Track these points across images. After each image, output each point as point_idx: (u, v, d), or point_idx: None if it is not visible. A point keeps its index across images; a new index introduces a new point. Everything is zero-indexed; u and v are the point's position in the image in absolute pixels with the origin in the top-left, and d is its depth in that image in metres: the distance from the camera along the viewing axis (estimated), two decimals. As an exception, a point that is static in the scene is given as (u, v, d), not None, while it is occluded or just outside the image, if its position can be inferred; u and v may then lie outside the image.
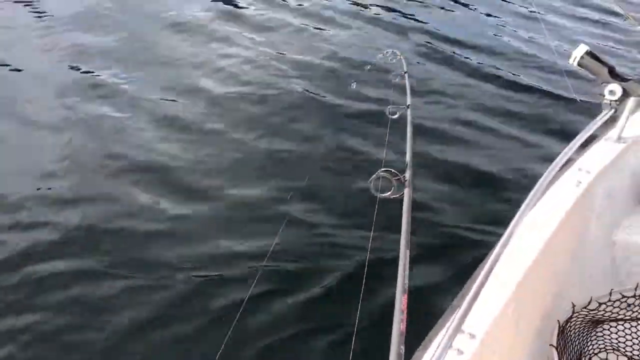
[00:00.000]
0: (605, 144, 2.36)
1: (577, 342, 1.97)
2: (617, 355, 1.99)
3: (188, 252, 3.29)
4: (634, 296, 2.01)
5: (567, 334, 1.91)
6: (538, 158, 4.17)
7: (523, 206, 1.82)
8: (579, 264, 2.15)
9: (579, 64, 2.25)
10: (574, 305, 1.92)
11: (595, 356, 1.99)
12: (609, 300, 1.96)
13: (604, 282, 2.25)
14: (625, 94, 2.19)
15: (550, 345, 1.76)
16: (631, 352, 1.99)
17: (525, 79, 5.74)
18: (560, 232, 1.94)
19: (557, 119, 4.88)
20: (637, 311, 2.07)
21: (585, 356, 1.99)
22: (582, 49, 2.24)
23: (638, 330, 2.08)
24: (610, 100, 2.20)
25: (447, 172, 4.08)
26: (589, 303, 1.92)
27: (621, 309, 2.00)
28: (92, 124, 4.54)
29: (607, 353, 1.99)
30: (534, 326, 1.85)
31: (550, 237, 1.89)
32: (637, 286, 2.01)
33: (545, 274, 1.90)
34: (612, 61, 2.26)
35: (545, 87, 5.50)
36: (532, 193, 1.86)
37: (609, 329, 2.06)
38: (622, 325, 2.05)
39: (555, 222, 1.94)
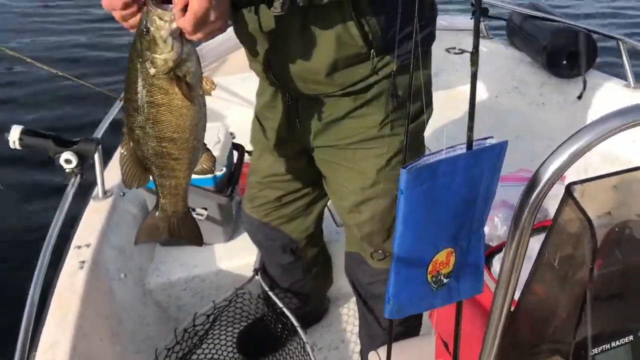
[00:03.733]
0: (93, 205, 2.28)
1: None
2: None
3: None
4: (194, 326, 2.05)
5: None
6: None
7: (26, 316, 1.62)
8: (128, 333, 2.05)
9: (22, 147, 2.06)
10: None
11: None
12: (177, 342, 1.99)
13: (164, 327, 2.23)
14: (82, 156, 2.11)
15: None
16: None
17: None
18: (87, 324, 1.79)
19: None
20: (202, 336, 2.13)
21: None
22: (15, 130, 2.05)
23: (214, 347, 2.20)
24: (71, 169, 2.09)
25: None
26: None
27: (190, 344, 2.06)
28: None
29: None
30: None
31: (80, 337, 1.72)
32: (194, 316, 2.05)
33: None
34: (53, 131, 2.15)
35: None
36: (29, 300, 1.67)
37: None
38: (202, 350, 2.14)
39: (74, 318, 1.76)
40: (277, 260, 2.15)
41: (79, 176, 2.12)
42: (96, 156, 2.19)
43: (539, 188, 0.70)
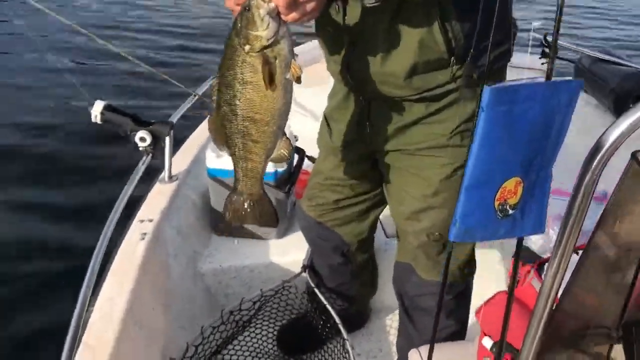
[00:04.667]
0: (159, 187, 2.39)
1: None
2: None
3: None
4: (239, 310, 2.11)
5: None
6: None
7: (88, 275, 1.72)
8: (177, 308, 2.12)
9: (102, 121, 2.21)
10: (187, 345, 1.90)
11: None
12: (222, 322, 2.04)
13: (210, 311, 2.29)
14: (155, 137, 2.24)
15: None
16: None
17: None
18: (141, 287, 1.87)
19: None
20: (246, 321, 2.19)
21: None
22: (98, 105, 2.21)
23: (255, 335, 2.24)
24: (144, 147, 2.22)
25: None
26: (201, 334, 1.94)
27: (234, 327, 2.11)
28: None
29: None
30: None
31: (136, 297, 1.81)
32: (241, 301, 2.11)
33: (142, 333, 1.81)
34: (132, 110, 2.29)
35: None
36: (93, 261, 1.77)
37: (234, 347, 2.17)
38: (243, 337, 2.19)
39: (132, 281, 1.85)
40: (327, 260, 2.20)
41: (150, 155, 2.24)
42: (167, 139, 2.32)
43: (602, 152, 0.74)
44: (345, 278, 2.23)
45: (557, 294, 0.87)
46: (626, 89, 3.03)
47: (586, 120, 3.43)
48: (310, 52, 3.48)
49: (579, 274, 0.90)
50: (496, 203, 0.75)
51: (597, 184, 0.76)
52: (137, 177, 2.19)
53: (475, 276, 1.91)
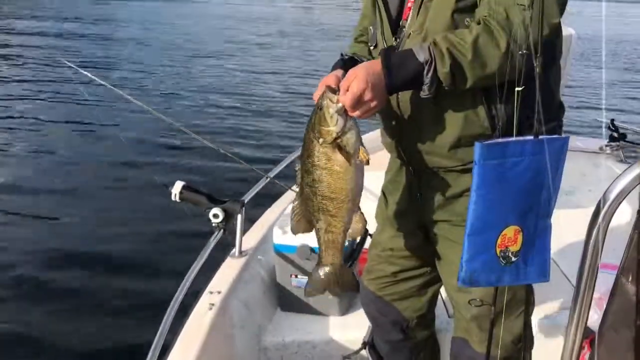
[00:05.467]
0: (229, 262, 2.54)
1: None
2: None
3: None
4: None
5: None
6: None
7: (156, 340, 1.84)
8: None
9: (180, 199, 2.42)
10: None
11: None
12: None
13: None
14: (228, 214, 2.42)
15: None
16: None
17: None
18: (206, 355, 1.98)
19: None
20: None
21: None
22: (178, 185, 2.43)
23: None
24: (217, 223, 2.40)
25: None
26: None
27: None
28: None
29: None
30: None
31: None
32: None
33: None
34: (206, 189, 2.50)
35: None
36: (161, 327, 1.90)
37: None
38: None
39: (198, 349, 1.96)
40: (386, 336, 2.22)
41: (222, 231, 2.42)
42: (239, 217, 2.49)
43: (607, 206, 0.81)
44: (405, 356, 2.23)
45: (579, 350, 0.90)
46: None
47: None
48: (375, 140, 3.65)
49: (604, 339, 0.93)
50: (498, 250, 0.82)
51: (605, 234, 0.82)
52: (208, 251, 2.35)
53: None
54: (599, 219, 0.78)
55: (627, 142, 3.37)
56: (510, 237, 0.82)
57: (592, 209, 3.14)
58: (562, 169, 0.83)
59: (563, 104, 1.78)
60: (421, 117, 1.65)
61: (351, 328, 2.50)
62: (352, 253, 2.57)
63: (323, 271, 1.62)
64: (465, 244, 0.82)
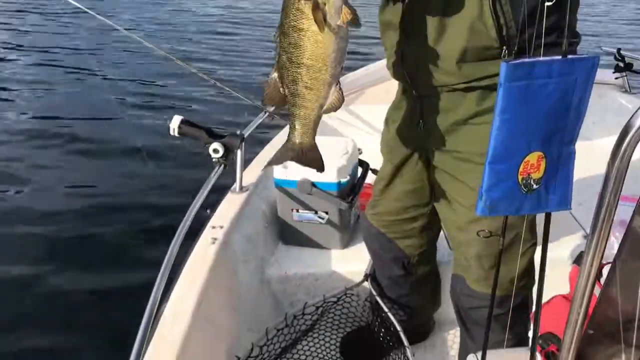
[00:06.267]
0: (230, 197, 2.52)
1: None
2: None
3: None
4: (303, 314, 2.19)
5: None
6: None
7: (161, 274, 1.85)
8: (244, 310, 2.22)
9: (179, 134, 2.38)
10: (252, 345, 2.00)
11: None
12: (286, 325, 2.15)
13: (275, 316, 2.37)
14: (227, 149, 2.38)
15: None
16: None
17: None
18: (211, 288, 1.99)
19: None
20: (309, 327, 2.26)
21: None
22: (176, 119, 2.38)
23: (318, 342, 2.31)
24: (217, 158, 2.37)
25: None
26: (265, 336, 2.05)
27: (297, 331, 2.21)
28: None
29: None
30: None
31: (205, 296, 1.92)
32: (304, 305, 2.19)
33: (210, 331, 1.92)
34: (206, 124, 2.45)
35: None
36: (166, 261, 1.90)
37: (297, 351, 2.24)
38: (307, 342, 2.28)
39: (202, 282, 1.97)
40: (387, 271, 2.23)
41: (222, 166, 2.38)
42: (239, 152, 2.45)
43: (631, 134, 0.77)
44: (405, 290, 2.25)
45: (593, 286, 0.89)
46: None
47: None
48: (379, 71, 3.58)
49: (617, 267, 0.92)
50: (520, 177, 0.79)
51: (627, 169, 0.79)
52: (209, 187, 2.33)
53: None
54: (622, 146, 0.74)
55: (634, 71, 3.30)
56: (533, 164, 0.79)
57: (597, 141, 3.08)
58: (590, 91, 0.79)
59: (576, 29, 1.70)
60: (424, 29, 1.56)
61: (353, 261, 2.52)
62: (353, 187, 2.56)
63: (290, 147, 1.49)
64: (487, 172, 0.79)
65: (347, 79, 3.80)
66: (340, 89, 1.41)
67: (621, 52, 3.33)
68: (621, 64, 3.30)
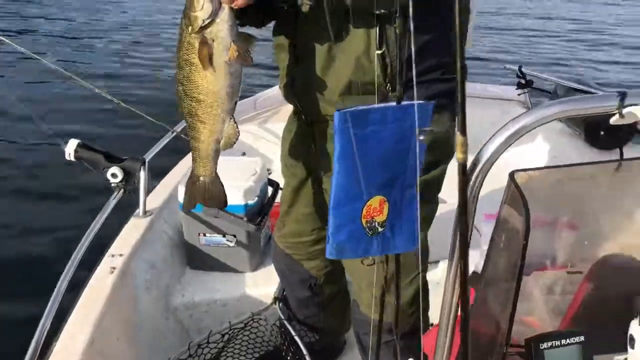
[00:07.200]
0: (133, 222, 2.43)
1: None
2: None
3: None
4: (207, 342, 2.13)
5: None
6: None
7: (48, 308, 1.76)
8: (144, 340, 2.15)
9: (76, 158, 2.27)
10: None
11: None
12: (189, 355, 2.08)
13: (181, 345, 2.29)
14: (128, 173, 2.30)
15: None
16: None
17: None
18: (107, 320, 1.91)
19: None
20: (215, 355, 2.20)
21: None
22: (72, 143, 2.28)
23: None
24: (116, 183, 2.28)
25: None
26: None
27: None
28: None
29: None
30: None
31: (100, 329, 1.84)
32: (209, 334, 2.13)
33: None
34: (105, 147, 2.36)
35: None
36: (55, 293, 1.81)
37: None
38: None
39: (97, 314, 1.88)
40: (295, 292, 2.22)
41: (122, 190, 2.30)
42: (142, 176, 2.37)
43: (479, 166, 0.79)
44: (313, 311, 2.24)
45: (457, 310, 0.90)
46: (596, 119, 3.07)
47: (562, 150, 3.47)
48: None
49: (483, 285, 0.94)
50: (363, 220, 0.79)
51: (477, 200, 0.81)
52: (107, 212, 2.24)
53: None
54: (473, 176, 0.76)
55: (535, 88, 3.45)
56: (376, 208, 0.79)
57: (500, 158, 3.20)
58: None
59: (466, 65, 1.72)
60: (314, 58, 1.56)
61: (263, 284, 2.49)
62: (262, 208, 2.53)
63: (193, 182, 1.52)
64: (331, 216, 0.79)
65: (262, 96, 3.79)
66: (235, 123, 1.43)
67: (522, 69, 3.47)
68: (522, 81, 3.43)
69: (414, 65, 0.74)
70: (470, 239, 0.82)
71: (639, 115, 0.82)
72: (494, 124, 0.91)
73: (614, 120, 0.84)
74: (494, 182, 1.00)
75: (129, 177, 2.31)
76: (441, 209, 1.77)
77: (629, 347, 1.02)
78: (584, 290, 1.24)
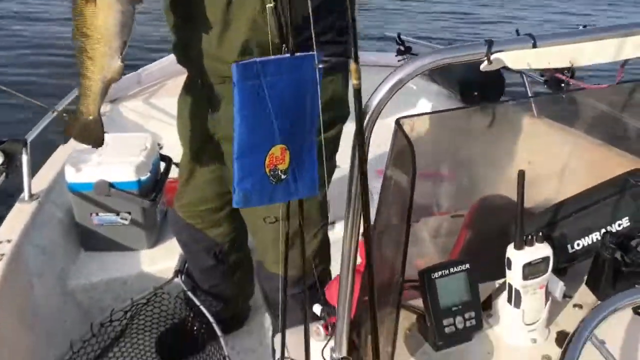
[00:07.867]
0: (19, 207, 2.32)
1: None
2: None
3: None
4: (110, 321, 2.11)
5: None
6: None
7: None
8: (44, 326, 2.09)
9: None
10: None
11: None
12: (92, 335, 2.05)
13: (83, 327, 2.23)
14: (9, 155, 2.18)
15: None
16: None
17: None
18: (1, 312, 1.83)
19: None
20: (120, 333, 2.18)
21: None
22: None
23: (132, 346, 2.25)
24: (-2, 167, 2.16)
25: None
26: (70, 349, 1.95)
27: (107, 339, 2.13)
28: None
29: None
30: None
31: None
32: (111, 312, 2.10)
33: (4, 353, 1.77)
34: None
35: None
36: None
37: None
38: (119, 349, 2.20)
39: None
40: (199, 262, 2.22)
41: (4, 175, 2.18)
42: (24, 158, 2.26)
43: (368, 115, 0.87)
44: (218, 280, 2.26)
45: (355, 256, 0.98)
46: (469, 80, 3.31)
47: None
48: (171, 65, 3.51)
49: (376, 235, 1.02)
50: (267, 169, 0.84)
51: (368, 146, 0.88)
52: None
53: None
54: (363, 124, 0.84)
55: (414, 54, 3.61)
56: (278, 156, 0.84)
57: (387, 119, 3.34)
58: (320, 84, 0.86)
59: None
60: (211, 19, 1.55)
61: (162, 259, 2.48)
62: (156, 184, 2.50)
63: (75, 118, 1.52)
64: (235, 167, 0.83)
65: (147, 70, 3.68)
66: (122, 63, 1.42)
67: (401, 36, 3.64)
68: (402, 48, 3.60)
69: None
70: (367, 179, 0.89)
71: (504, 60, 0.92)
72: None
73: (483, 67, 0.93)
74: (382, 145, 1.08)
75: (11, 159, 2.19)
76: (337, 173, 1.83)
77: (506, 269, 1.16)
78: (465, 229, 1.38)
